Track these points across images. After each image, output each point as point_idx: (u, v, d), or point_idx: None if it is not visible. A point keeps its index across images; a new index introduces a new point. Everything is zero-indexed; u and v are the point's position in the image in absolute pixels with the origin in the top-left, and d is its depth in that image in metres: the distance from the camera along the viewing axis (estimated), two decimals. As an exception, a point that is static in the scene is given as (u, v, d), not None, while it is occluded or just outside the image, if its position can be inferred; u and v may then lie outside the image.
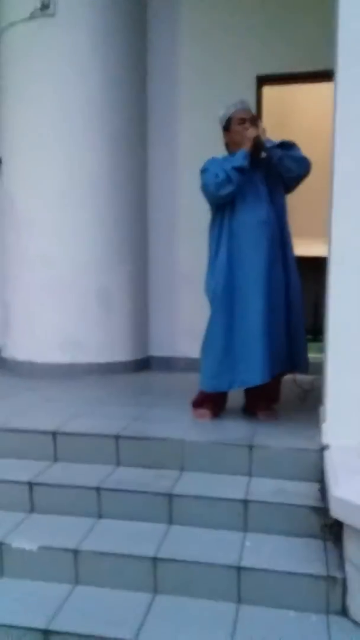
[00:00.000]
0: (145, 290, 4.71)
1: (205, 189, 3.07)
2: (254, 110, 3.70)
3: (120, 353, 4.47)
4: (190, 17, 4.56)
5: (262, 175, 3.10)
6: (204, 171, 3.08)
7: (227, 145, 3.21)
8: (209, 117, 4.54)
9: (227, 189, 2.98)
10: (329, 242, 2.79)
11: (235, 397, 3.28)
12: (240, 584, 2.24)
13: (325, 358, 2.80)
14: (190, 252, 4.64)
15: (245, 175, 2.99)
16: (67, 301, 4.35)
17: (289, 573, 2.22)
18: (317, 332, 3.85)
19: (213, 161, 3.10)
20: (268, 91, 4.64)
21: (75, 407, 3.41)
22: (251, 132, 3.01)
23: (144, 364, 4.66)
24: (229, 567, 2.26)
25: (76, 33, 4.19)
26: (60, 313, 4.35)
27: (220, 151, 4.27)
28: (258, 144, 3.00)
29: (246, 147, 3.00)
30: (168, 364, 4.68)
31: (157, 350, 4.76)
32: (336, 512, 2.14)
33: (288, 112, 5.97)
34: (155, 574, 2.30)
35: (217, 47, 4.50)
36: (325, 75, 4.36)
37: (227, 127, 3.16)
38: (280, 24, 4.39)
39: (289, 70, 4.41)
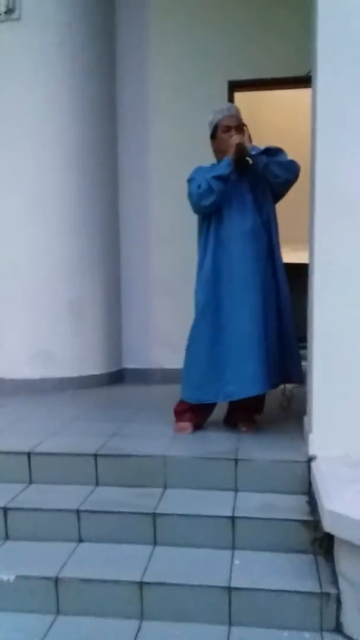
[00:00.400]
0: (118, 300, 4.60)
1: (189, 199, 3.01)
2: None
3: (94, 366, 4.35)
4: (159, 22, 4.50)
5: (248, 184, 3.03)
6: (189, 180, 3.02)
7: (215, 154, 3.13)
8: (180, 123, 4.52)
9: (209, 199, 2.91)
10: (311, 249, 2.75)
11: (216, 408, 3.19)
12: (231, 606, 2.14)
13: (309, 367, 2.75)
14: (163, 260, 4.58)
15: (229, 184, 2.92)
16: (37, 313, 4.21)
17: (281, 591, 2.13)
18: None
19: (199, 170, 3.03)
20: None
21: (49, 425, 3.27)
22: (234, 139, 2.93)
23: (118, 377, 4.54)
24: (219, 588, 2.16)
25: (43, 38, 4.08)
26: (30, 325, 4.21)
27: (194, 157, 4.21)
28: (242, 151, 2.92)
29: (230, 155, 2.92)
30: (143, 376, 4.57)
31: (131, 362, 4.64)
32: (329, 526, 2.07)
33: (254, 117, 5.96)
34: (142, 600, 2.19)
35: (188, 53, 4.46)
36: (296, 81, 4.43)
37: (213, 134, 3.09)
38: (251, 30, 4.38)
39: (260, 77, 4.39)
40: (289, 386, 3.40)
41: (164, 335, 4.57)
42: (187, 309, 4.24)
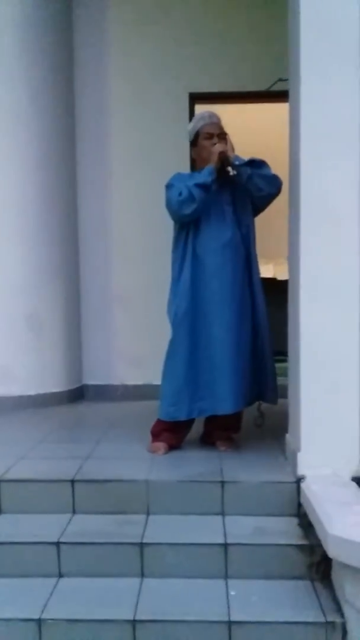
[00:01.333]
0: (78, 314, 4.40)
1: (168, 206, 2.89)
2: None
3: (54, 383, 4.13)
4: (119, 33, 4.39)
5: (228, 195, 2.94)
6: (168, 187, 2.90)
7: (195, 162, 3.04)
8: (140, 134, 4.42)
9: (190, 208, 2.80)
10: (293, 263, 2.70)
11: (193, 427, 3.07)
12: (231, 641, 2.03)
13: (293, 384, 2.68)
14: (124, 273, 4.45)
15: (210, 194, 2.83)
16: (-8, 328, 3.97)
17: (284, 623, 2.03)
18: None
19: (178, 177, 2.93)
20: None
21: (16, 447, 3.04)
22: (217, 147, 2.83)
23: (78, 394, 4.33)
24: (219, 623, 2.03)
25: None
26: (-15, 341, 3.95)
27: (155, 169, 4.14)
28: (224, 160, 2.83)
29: (212, 163, 2.83)
30: (104, 393, 4.39)
31: (92, 378, 4.45)
32: (334, 552, 1.98)
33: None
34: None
35: (148, 64, 4.37)
36: (257, 95, 4.44)
37: (194, 141, 2.99)
38: (212, 43, 4.34)
39: (221, 90, 4.36)
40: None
41: (125, 351, 4.43)
42: (148, 324, 4.17)
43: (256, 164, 2.86)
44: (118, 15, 4.40)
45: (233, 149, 2.89)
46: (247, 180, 2.85)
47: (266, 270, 5.93)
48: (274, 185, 2.90)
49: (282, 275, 5.03)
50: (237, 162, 2.83)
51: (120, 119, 4.43)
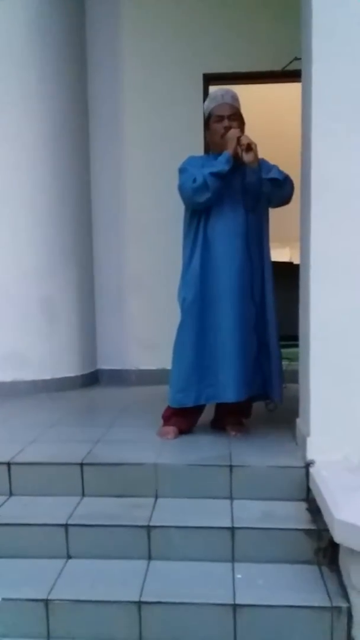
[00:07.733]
0: (92, 298, 4.41)
1: (181, 191, 2.82)
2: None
3: (67, 368, 4.14)
4: (131, 10, 4.33)
5: (242, 179, 2.85)
6: (181, 171, 2.83)
7: (209, 145, 2.98)
8: (154, 115, 4.38)
9: (204, 197, 2.74)
10: (304, 246, 2.65)
11: (204, 411, 3.06)
12: (236, 624, 2.02)
13: (303, 368, 2.65)
14: (139, 257, 4.43)
15: (225, 180, 2.75)
16: (6, 312, 3.98)
17: (290, 607, 2.02)
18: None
19: (192, 161, 2.86)
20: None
21: (27, 431, 3.07)
22: (233, 133, 2.73)
23: (92, 379, 4.35)
24: (224, 605, 2.03)
25: (11, 23, 3.85)
26: (0, 326, 3.97)
27: (168, 151, 4.09)
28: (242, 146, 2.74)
29: (229, 150, 2.73)
30: (118, 378, 4.40)
31: (106, 362, 4.46)
32: (340, 537, 1.96)
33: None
34: (141, 621, 2.04)
35: (162, 44, 4.31)
36: (273, 75, 4.35)
37: (207, 123, 2.92)
38: (226, 22, 4.26)
39: (235, 70, 4.28)
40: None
41: (139, 335, 4.43)
42: (162, 308, 4.14)
43: (278, 183, 2.81)
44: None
45: (242, 131, 2.80)
46: (264, 192, 2.81)
47: (282, 254, 5.86)
48: (284, 201, 2.91)
49: (298, 259, 4.96)
50: (261, 173, 2.77)
51: (134, 100, 4.39)
